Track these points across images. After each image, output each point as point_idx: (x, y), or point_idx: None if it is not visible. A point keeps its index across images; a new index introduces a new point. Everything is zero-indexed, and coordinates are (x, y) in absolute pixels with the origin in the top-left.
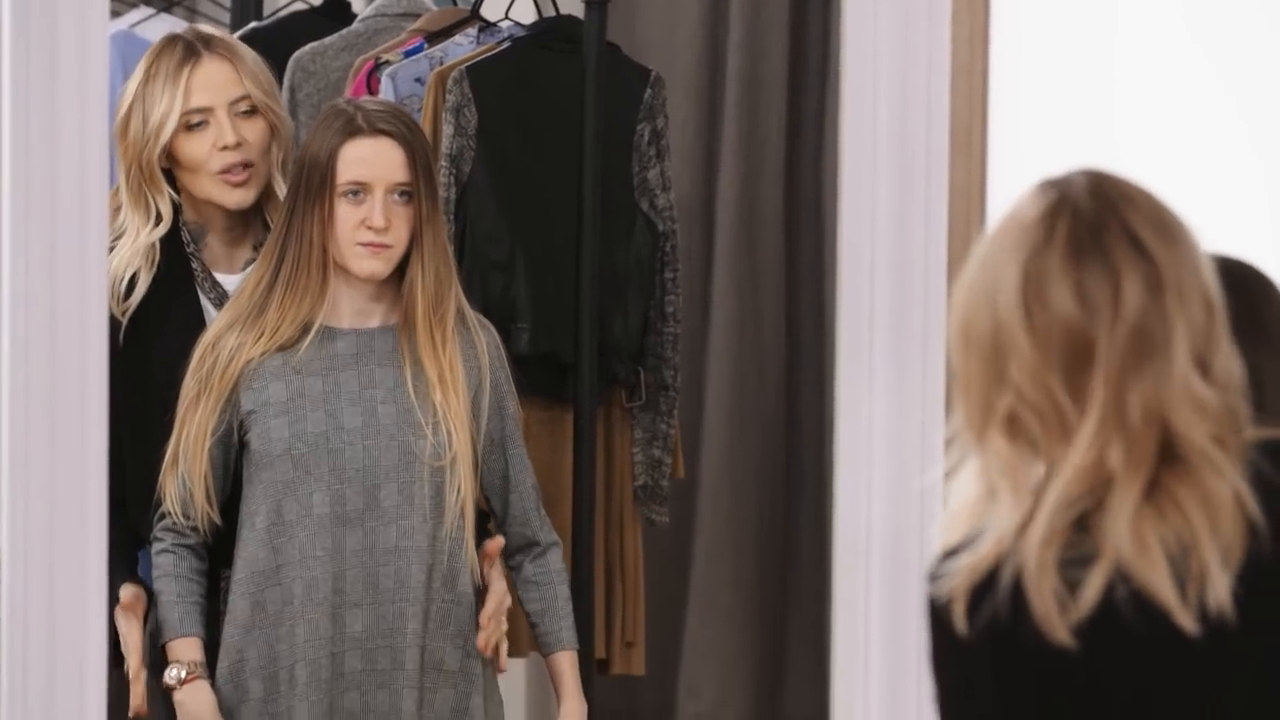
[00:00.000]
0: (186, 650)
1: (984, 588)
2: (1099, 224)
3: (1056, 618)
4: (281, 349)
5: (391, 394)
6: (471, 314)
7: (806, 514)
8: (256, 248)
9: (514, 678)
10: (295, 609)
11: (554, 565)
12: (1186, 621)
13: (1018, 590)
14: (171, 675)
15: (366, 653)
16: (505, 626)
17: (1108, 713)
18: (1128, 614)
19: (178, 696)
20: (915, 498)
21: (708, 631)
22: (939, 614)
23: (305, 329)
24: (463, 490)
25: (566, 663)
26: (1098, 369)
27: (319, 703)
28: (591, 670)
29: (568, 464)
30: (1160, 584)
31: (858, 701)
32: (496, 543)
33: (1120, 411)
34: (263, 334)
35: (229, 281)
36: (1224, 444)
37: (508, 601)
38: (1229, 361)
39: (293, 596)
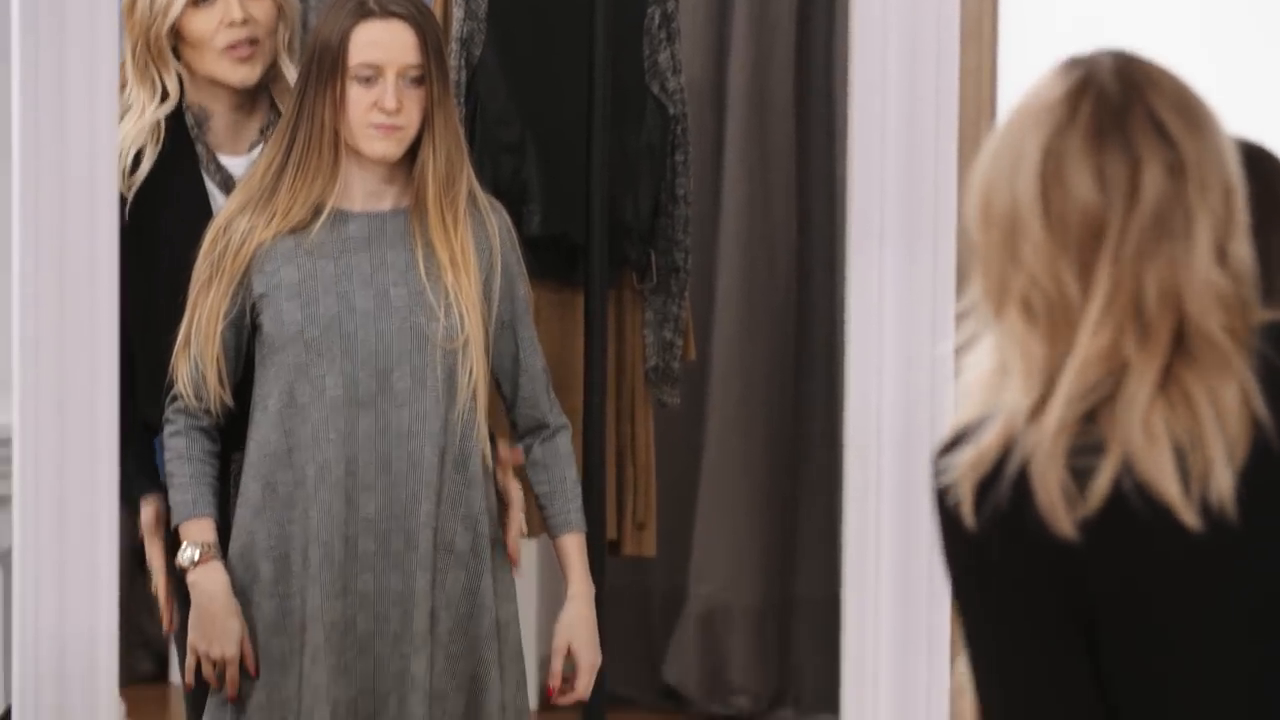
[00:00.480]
0: (199, 531)
1: (990, 479)
2: (1123, 107)
3: (1062, 510)
4: (293, 232)
5: (403, 276)
6: (483, 196)
7: (817, 395)
8: (263, 130)
9: (525, 559)
10: (308, 491)
11: (563, 448)
12: (1189, 517)
13: (1022, 480)
14: (185, 556)
15: (379, 534)
16: (525, 531)
17: (1113, 604)
18: (1132, 506)
19: (191, 577)
20: (926, 380)
21: (718, 514)
22: (946, 508)
23: (317, 212)
24: (475, 372)
25: (574, 545)
26: (1106, 252)
27: (332, 584)
28: (603, 552)
29: (579, 346)
30: (1165, 478)
31: (869, 583)
32: (514, 453)
33: (1136, 296)
34: (274, 217)
35: (233, 164)
36: (1236, 335)
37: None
38: (1244, 250)
39: (305, 478)
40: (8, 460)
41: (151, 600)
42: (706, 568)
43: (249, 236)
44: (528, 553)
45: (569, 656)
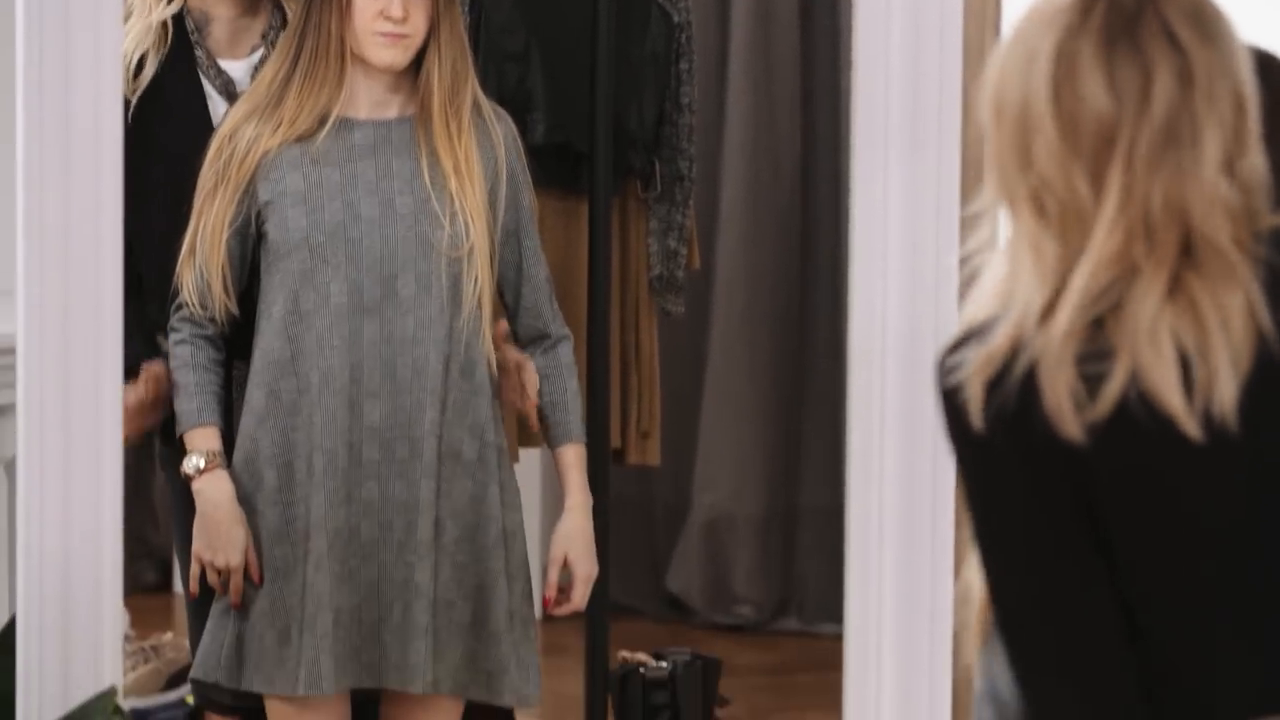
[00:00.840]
0: (204, 440)
1: (998, 379)
2: (1135, 13)
3: (1069, 413)
4: (299, 140)
5: (409, 184)
6: (488, 105)
7: (821, 304)
8: (264, 34)
9: (528, 470)
10: (312, 398)
11: (564, 358)
12: (1191, 428)
13: (1030, 382)
14: (190, 464)
15: (384, 442)
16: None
17: (1117, 507)
18: (1136, 415)
19: (196, 485)
20: (930, 288)
21: (722, 423)
22: (954, 407)
23: (322, 120)
24: (480, 280)
25: (573, 455)
26: (1119, 158)
27: (336, 491)
28: (607, 461)
29: (583, 255)
30: (1169, 389)
31: (873, 491)
32: (500, 324)
33: (1143, 204)
34: (280, 124)
35: (234, 68)
36: (1242, 246)
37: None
38: (1256, 161)
39: (309, 386)
40: (12, 369)
41: (155, 510)
42: (710, 477)
43: (254, 144)
44: (531, 463)
45: (566, 567)
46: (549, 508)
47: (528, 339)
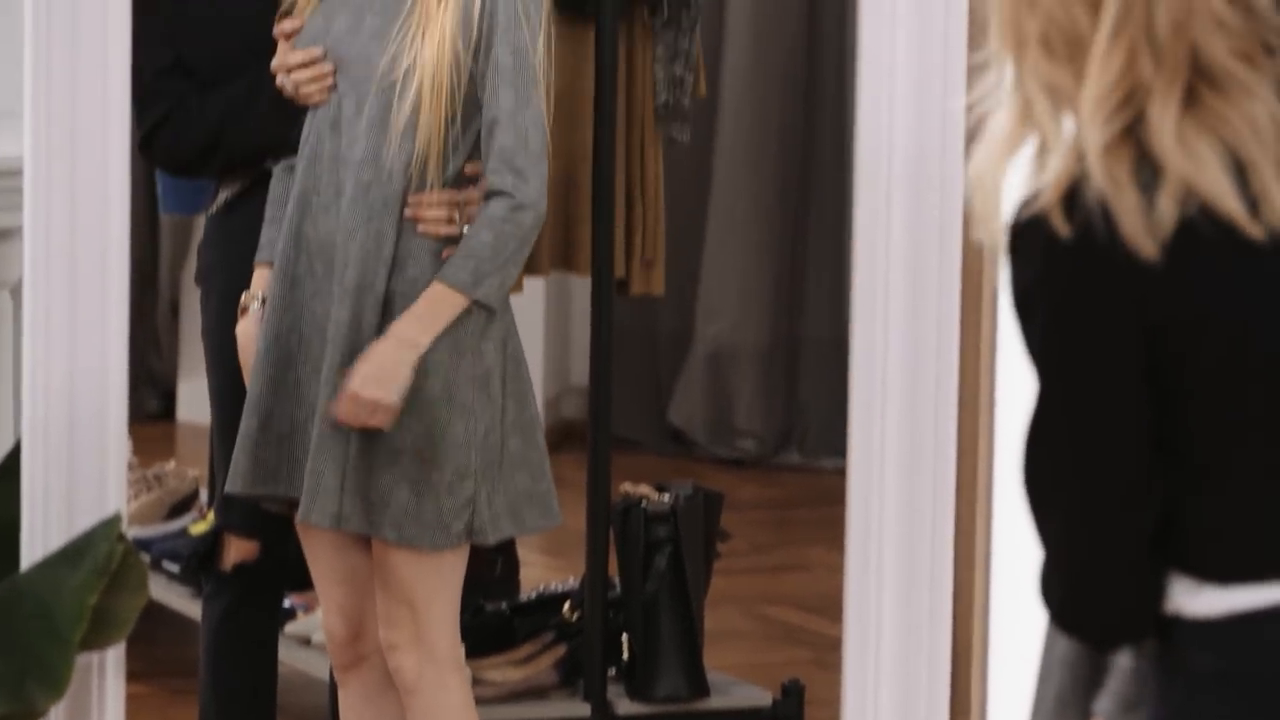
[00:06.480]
0: (256, 280)
1: (1071, 201)
2: None
3: (1144, 233)
4: None
5: (383, 2)
6: None
7: (828, 132)
8: None
9: (531, 299)
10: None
11: (496, 211)
12: (1254, 229)
13: (1102, 207)
14: (241, 303)
15: (318, 259)
16: None
17: (1188, 330)
18: (1200, 227)
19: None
20: (937, 115)
21: (727, 252)
22: (1039, 230)
23: None
24: (417, 109)
25: (435, 291)
26: None
27: (277, 301)
28: (610, 289)
29: (589, 83)
30: (1222, 193)
31: (877, 323)
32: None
33: (1145, 23)
34: None
35: None
36: (1253, 62)
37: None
38: None
39: (289, 195)
40: (18, 191)
41: (159, 337)
42: (714, 307)
43: None
44: (535, 291)
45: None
46: (551, 339)
47: (490, 191)
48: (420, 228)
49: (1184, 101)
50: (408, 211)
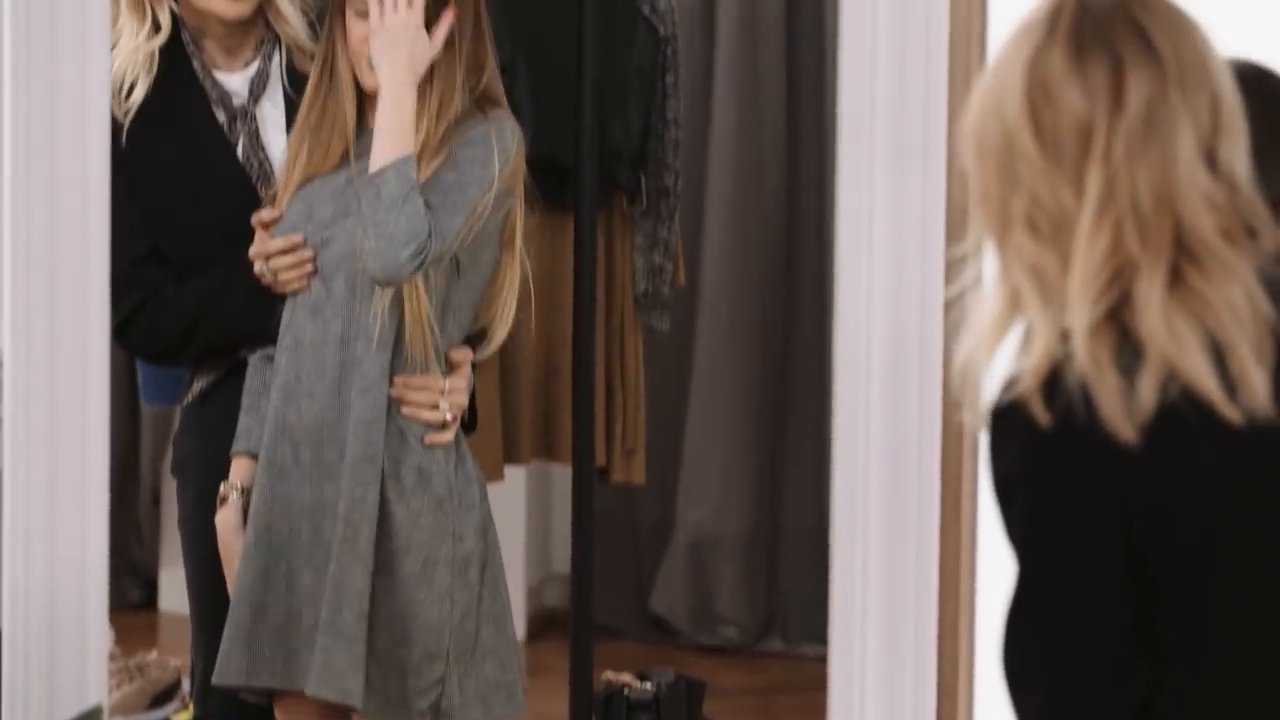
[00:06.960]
0: (234, 471)
1: (1052, 385)
2: (1105, 18)
3: (1122, 415)
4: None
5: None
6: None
7: (807, 321)
8: (258, 45)
9: (512, 488)
10: (268, 395)
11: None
12: (1231, 412)
13: (1082, 389)
14: (220, 493)
15: (306, 443)
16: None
17: (1167, 510)
18: (1180, 408)
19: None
20: (916, 305)
21: (707, 442)
22: (1015, 418)
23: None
24: (392, 294)
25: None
26: (1096, 155)
27: (264, 490)
28: (591, 478)
29: (568, 270)
30: (1202, 374)
31: (858, 512)
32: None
33: (1130, 198)
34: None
35: (229, 80)
36: (1233, 239)
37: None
38: (1237, 157)
39: (270, 382)
40: None
41: (140, 526)
42: (695, 496)
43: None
44: (516, 480)
45: None
46: (533, 528)
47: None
48: (405, 410)
49: (1168, 280)
50: (392, 391)
